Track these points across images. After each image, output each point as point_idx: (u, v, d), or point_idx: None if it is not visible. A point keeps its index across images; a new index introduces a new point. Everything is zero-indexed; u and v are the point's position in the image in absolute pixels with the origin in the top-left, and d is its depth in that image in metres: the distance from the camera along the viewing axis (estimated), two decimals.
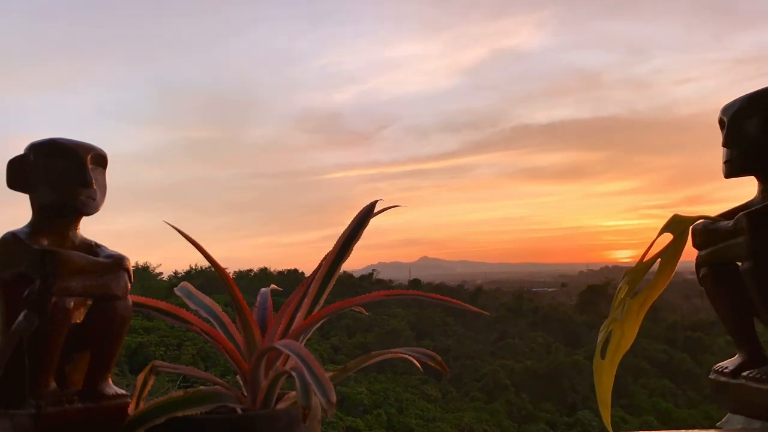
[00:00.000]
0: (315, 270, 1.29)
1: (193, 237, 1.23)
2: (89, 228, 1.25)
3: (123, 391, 1.21)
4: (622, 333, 1.26)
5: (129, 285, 1.20)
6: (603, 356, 1.28)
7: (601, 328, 1.29)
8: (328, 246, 1.29)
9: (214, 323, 1.28)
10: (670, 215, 1.31)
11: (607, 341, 1.28)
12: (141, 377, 1.25)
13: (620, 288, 1.30)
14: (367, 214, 1.30)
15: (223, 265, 1.24)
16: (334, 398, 0.92)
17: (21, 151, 1.21)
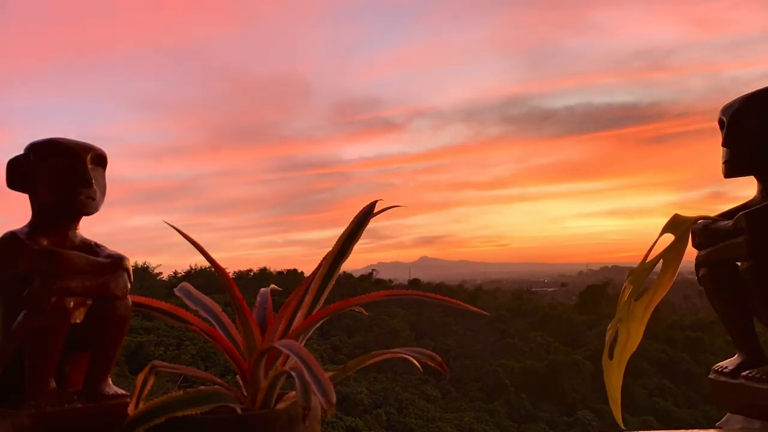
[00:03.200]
0: (315, 270, 1.29)
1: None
2: (90, 228, 1.26)
3: (123, 391, 1.21)
4: (629, 334, 1.26)
5: (129, 285, 1.20)
6: (611, 356, 1.28)
7: (607, 329, 1.29)
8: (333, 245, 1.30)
9: (214, 323, 1.28)
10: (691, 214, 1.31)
11: (614, 341, 1.28)
12: (141, 377, 1.25)
13: (624, 288, 1.30)
14: (366, 214, 1.30)
15: (223, 265, 1.24)
16: (333, 398, 0.92)
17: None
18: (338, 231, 1.30)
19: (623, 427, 1.27)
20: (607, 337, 1.29)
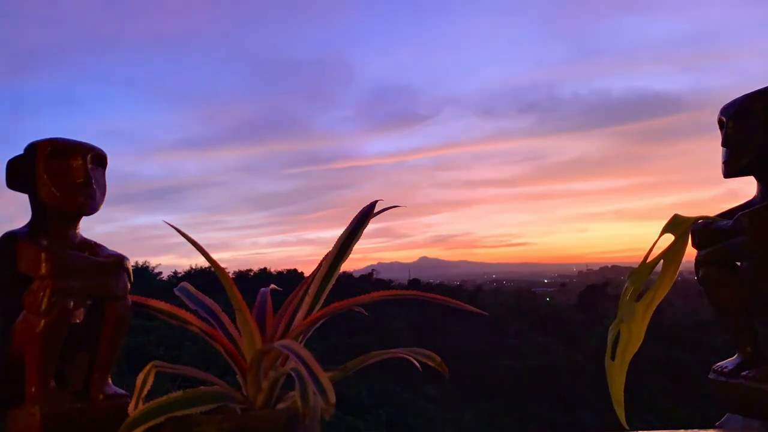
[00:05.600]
0: (315, 270, 1.29)
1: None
2: (90, 228, 1.26)
3: (123, 391, 1.21)
4: (630, 334, 1.26)
5: (129, 285, 1.20)
6: (613, 357, 1.28)
7: (609, 329, 1.29)
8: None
9: (214, 323, 1.28)
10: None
11: (616, 342, 1.28)
12: (141, 377, 1.25)
13: (625, 289, 1.30)
14: (365, 214, 1.30)
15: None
16: (333, 399, 0.92)
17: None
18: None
19: (627, 428, 1.27)
20: (609, 338, 1.28)
